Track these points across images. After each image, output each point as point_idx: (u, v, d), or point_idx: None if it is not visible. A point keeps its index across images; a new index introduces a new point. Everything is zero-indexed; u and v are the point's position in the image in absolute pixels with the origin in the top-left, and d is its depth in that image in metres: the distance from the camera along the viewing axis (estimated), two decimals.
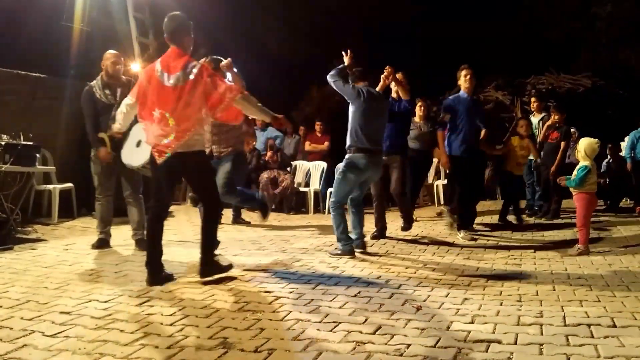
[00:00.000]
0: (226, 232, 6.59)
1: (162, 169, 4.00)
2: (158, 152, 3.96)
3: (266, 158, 9.35)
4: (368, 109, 5.23)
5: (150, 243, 4.10)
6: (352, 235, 5.32)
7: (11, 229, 5.64)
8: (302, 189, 9.51)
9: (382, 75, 5.90)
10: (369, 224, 6.00)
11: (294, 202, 9.42)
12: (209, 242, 4.19)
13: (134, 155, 5.04)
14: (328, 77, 5.44)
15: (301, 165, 9.86)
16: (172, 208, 8.96)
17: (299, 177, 9.68)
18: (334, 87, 5.44)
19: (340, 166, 5.41)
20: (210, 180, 4.33)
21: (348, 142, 5.30)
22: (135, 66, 9.06)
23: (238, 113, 4.20)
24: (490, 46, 13.05)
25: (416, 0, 13.20)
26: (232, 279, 4.14)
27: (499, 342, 2.79)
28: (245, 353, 2.66)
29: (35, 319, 3.13)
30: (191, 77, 3.91)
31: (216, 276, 4.11)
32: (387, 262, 4.90)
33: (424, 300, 3.56)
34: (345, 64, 5.47)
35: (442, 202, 9.26)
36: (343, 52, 5.55)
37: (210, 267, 4.11)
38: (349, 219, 5.40)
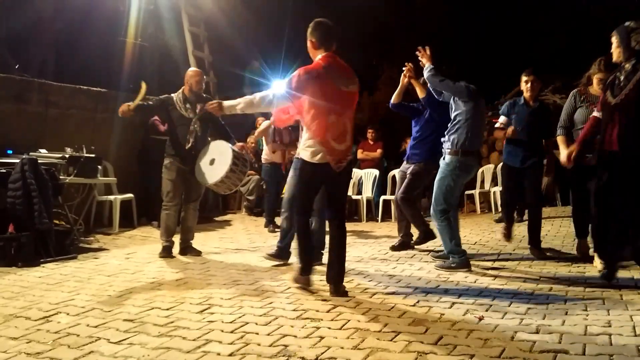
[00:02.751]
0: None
1: (318, 178, 4.01)
2: (337, 159, 3.93)
3: None
4: (480, 107, 4.95)
5: (305, 252, 4.14)
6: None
7: (75, 239, 5.82)
8: (354, 196, 9.48)
9: (402, 75, 5.70)
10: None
11: (346, 210, 9.38)
12: (344, 255, 4.10)
13: (207, 172, 5.20)
14: (430, 77, 5.01)
15: (353, 173, 9.83)
16: (228, 217, 9.11)
17: (351, 185, 9.65)
18: (440, 87, 5.06)
19: (445, 170, 4.92)
20: (347, 190, 4.45)
21: (456, 143, 4.84)
22: None
23: None
24: (544, 44, 12.58)
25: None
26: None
27: (566, 352, 2.69)
28: None
29: (100, 326, 3.21)
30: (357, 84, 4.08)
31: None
32: (446, 271, 4.80)
33: (486, 310, 3.47)
34: (429, 63, 5.03)
35: (498, 209, 9.03)
36: (418, 51, 5.12)
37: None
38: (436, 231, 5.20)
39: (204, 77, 5.92)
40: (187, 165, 5.39)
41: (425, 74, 5.07)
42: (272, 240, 6.75)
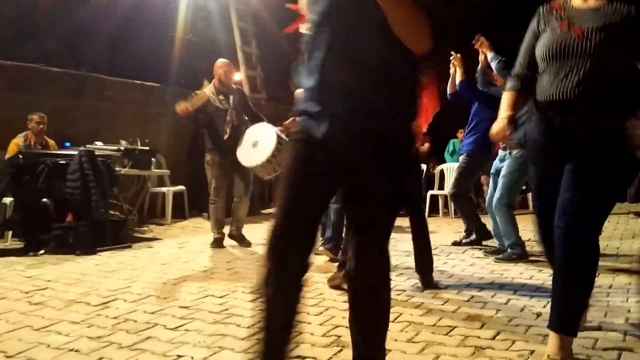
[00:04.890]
0: None
1: None
2: None
3: None
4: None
5: None
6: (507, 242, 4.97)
7: (129, 229, 5.96)
8: None
9: (451, 64, 5.42)
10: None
11: None
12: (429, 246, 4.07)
13: (250, 154, 5.18)
14: (499, 70, 4.81)
15: None
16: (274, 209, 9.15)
17: None
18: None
19: (515, 165, 4.85)
20: None
21: (522, 136, 4.85)
22: (238, 75, 9.33)
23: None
24: None
25: None
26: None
27: (631, 350, 2.59)
28: None
29: (156, 313, 3.27)
30: None
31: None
32: (499, 267, 4.70)
33: (544, 307, 3.38)
34: (492, 53, 4.86)
35: None
36: (476, 40, 4.95)
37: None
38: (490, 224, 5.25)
39: (233, 67, 5.90)
40: (227, 158, 5.40)
41: (495, 65, 4.90)
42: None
